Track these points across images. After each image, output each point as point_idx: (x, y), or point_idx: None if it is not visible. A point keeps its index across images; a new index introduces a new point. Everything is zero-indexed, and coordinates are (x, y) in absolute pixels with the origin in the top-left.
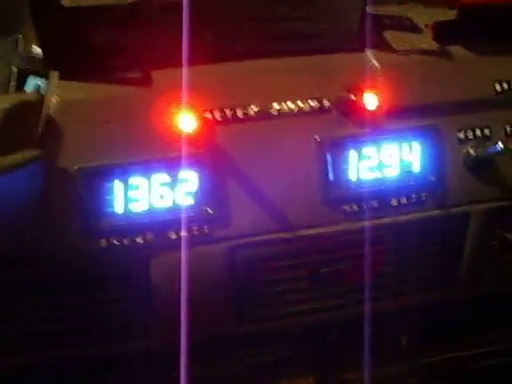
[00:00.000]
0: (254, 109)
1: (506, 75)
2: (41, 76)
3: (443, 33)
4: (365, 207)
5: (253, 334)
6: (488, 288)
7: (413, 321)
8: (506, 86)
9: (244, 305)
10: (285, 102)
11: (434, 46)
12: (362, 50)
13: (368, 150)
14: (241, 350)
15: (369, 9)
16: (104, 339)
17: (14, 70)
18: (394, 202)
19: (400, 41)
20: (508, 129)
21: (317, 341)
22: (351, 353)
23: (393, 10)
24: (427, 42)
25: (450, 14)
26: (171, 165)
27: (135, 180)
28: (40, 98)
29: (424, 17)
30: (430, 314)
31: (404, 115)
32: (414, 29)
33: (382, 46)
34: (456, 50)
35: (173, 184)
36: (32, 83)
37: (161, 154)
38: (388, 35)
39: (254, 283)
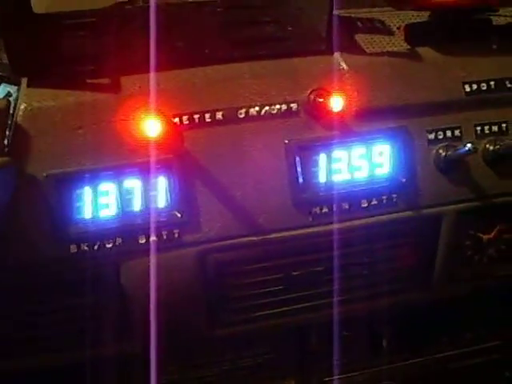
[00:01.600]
0: (221, 113)
1: (475, 76)
2: (13, 83)
3: (414, 35)
4: (335, 209)
5: (230, 338)
6: (462, 288)
7: (391, 323)
8: (475, 86)
9: (216, 309)
10: (253, 106)
11: (405, 47)
12: (330, 52)
13: (337, 152)
14: (220, 353)
15: (341, 12)
16: (75, 345)
17: None
18: (365, 204)
19: (371, 43)
20: (478, 129)
21: (296, 344)
22: (331, 355)
23: (365, 13)
24: (398, 44)
25: (422, 17)
26: (140, 170)
27: (104, 186)
28: (7, 105)
29: (396, 19)
30: (407, 315)
31: (373, 117)
32: (386, 31)
33: (352, 48)
34: (426, 51)
35: (142, 189)
36: (4, 91)
37: (130, 159)
38: (359, 38)
39: (226, 287)
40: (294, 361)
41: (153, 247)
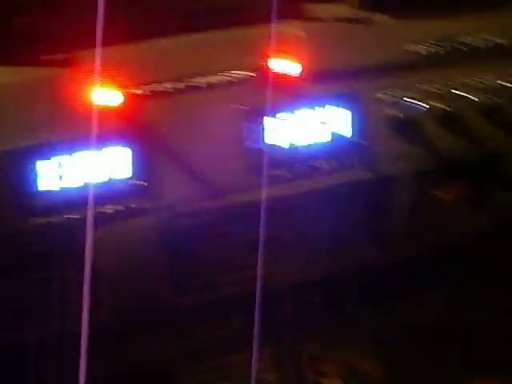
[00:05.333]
0: (178, 83)
1: (423, 38)
2: None
3: (367, 1)
4: (293, 172)
5: (195, 307)
6: (420, 248)
7: (353, 286)
8: (423, 48)
9: (181, 275)
10: (207, 74)
11: (356, 13)
12: (282, 20)
13: (292, 116)
14: (188, 325)
15: None
16: (43, 318)
17: None
18: (320, 166)
19: (324, 11)
20: (430, 88)
21: (269, 313)
22: (300, 323)
23: None
24: (350, 10)
25: None
26: (99, 141)
27: (65, 158)
28: None
29: None
30: (368, 277)
31: (326, 81)
32: None
33: (303, 16)
34: (377, 17)
35: (102, 160)
36: None
37: (89, 131)
38: (312, 6)
39: (189, 253)
40: (268, 330)
41: (116, 216)
